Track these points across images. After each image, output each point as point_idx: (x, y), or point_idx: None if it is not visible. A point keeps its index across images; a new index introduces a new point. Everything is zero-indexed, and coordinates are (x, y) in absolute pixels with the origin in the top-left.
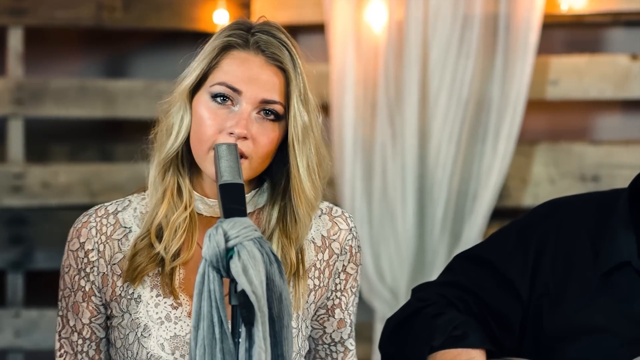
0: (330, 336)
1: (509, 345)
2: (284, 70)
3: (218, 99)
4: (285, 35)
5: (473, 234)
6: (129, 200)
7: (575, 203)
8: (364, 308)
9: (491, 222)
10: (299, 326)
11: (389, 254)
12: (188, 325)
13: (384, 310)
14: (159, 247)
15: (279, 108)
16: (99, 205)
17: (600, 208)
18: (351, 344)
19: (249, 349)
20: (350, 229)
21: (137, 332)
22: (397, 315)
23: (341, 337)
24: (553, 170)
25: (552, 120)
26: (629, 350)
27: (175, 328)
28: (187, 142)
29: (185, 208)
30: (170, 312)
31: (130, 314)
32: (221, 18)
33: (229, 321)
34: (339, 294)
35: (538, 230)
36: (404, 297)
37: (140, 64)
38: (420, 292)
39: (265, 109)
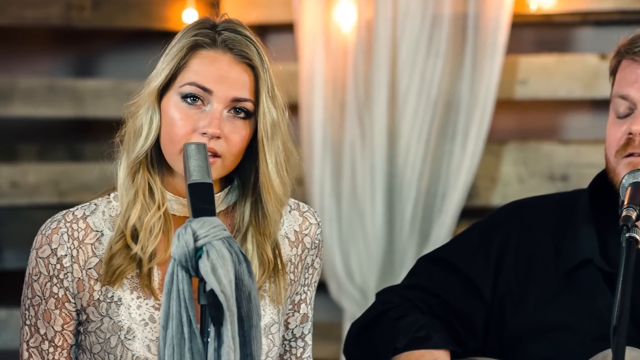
0: (292, 332)
1: (474, 345)
2: (252, 67)
3: (189, 99)
4: (249, 32)
5: (442, 233)
6: (95, 204)
7: (537, 203)
8: (333, 308)
9: (460, 221)
10: (280, 321)
11: (358, 254)
12: None
13: (353, 309)
14: (136, 248)
15: (249, 105)
16: (65, 211)
17: (562, 208)
18: (310, 338)
19: (218, 349)
20: (318, 224)
21: (120, 335)
22: (361, 318)
23: (302, 332)
24: (522, 169)
25: (521, 119)
26: (592, 347)
27: None
28: (156, 143)
29: (159, 208)
30: (154, 313)
31: (111, 318)
32: (190, 17)
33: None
34: (305, 288)
35: (500, 230)
36: (373, 297)
37: (109, 64)
38: (384, 296)
39: (236, 107)
